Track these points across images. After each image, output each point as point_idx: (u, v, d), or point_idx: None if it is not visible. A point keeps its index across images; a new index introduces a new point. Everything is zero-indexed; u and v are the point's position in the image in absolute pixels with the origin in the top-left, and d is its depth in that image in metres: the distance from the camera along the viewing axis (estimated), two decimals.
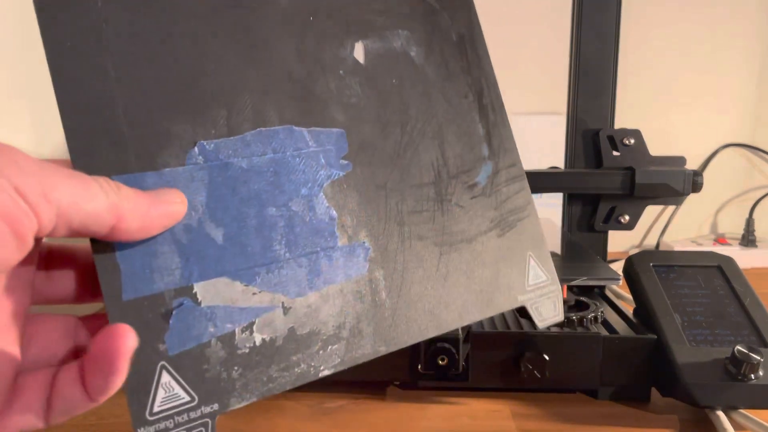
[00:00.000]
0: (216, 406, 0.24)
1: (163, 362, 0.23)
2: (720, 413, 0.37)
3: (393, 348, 0.28)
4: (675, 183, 0.51)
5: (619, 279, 0.45)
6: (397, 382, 0.45)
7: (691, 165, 0.54)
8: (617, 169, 0.53)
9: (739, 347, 0.37)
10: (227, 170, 0.25)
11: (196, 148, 0.25)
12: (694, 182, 0.52)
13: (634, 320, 0.45)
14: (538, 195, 0.77)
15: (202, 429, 0.24)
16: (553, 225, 0.62)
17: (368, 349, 0.27)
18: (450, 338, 0.41)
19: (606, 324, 0.46)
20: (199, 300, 0.24)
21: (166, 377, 0.23)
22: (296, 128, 0.27)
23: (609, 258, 0.59)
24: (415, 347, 0.41)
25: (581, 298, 0.49)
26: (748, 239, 0.81)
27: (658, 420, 0.40)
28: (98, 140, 0.23)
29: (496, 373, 0.42)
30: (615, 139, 0.54)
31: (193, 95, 0.25)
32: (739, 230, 0.84)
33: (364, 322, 0.28)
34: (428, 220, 0.30)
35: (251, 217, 0.26)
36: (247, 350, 0.25)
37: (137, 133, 0.24)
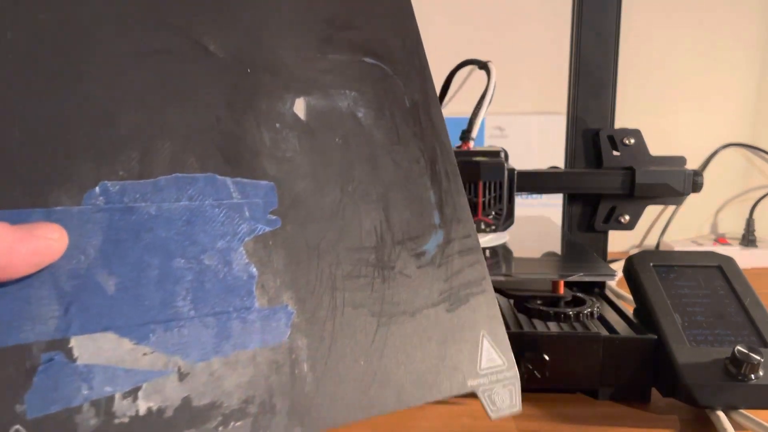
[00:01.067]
0: None
1: (17, 426, 0.20)
2: (720, 413, 0.37)
3: (312, 430, 0.25)
4: (675, 183, 0.51)
5: (614, 275, 0.46)
6: None
7: (691, 165, 0.54)
8: (617, 169, 0.53)
9: (739, 347, 0.37)
10: (131, 214, 0.23)
11: (97, 188, 0.23)
12: (694, 182, 0.51)
13: (634, 320, 0.45)
14: (539, 195, 0.77)
15: None
16: (553, 225, 0.62)
17: (280, 430, 0.24)
18: None
19: (605, 323, 0.46)
20: (74, 356, 0.21)
21: None
22: (219, 177, 0.25)
23: (609, 258, 0.58)
24: None
25: (578, 294, 0.49)
26: (748, 239, 0.81)
27: (658, 420, 0.40)
28: None
29: None
30: (615, 139, 0.54)
31: (103, 134, 0.23)
32: (740, 230, 0.84)
33: (278, 396, 0.24)
34: (366, 286, 0.28)
35: (153, 267, 0.23)
36: (126, 419, 0.21)
37: (30, 166, 0.22)
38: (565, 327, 0.46)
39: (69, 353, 0.21)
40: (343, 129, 0.29)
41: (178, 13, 0.26)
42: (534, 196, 0.78)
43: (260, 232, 0.26)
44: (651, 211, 0.87)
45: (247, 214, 0.26)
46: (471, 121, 0.50)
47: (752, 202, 0.84)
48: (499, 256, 0.49)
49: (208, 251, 0.24)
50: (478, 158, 0.49)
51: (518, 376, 0.31)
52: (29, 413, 0.20)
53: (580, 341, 0.41)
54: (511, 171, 0.50)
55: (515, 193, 0.51)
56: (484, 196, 0.49)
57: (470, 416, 0.41)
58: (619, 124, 0.56)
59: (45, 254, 0.21)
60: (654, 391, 0.42)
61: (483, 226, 0.50)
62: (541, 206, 0.79)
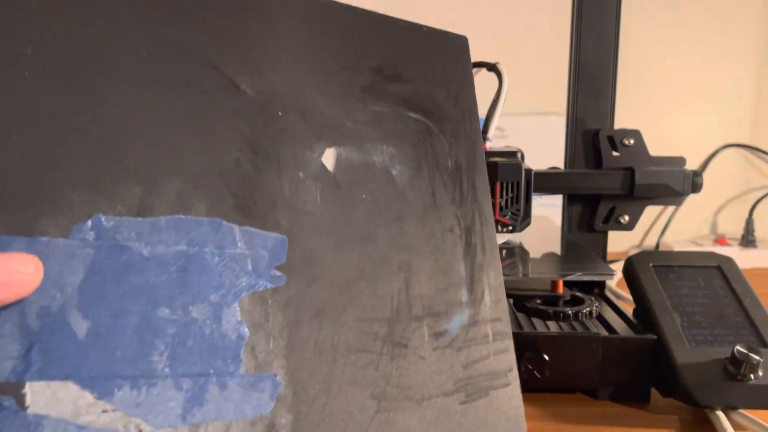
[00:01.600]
0: None
1: None
2: (720, 413, 0.37)
3: None
4: (675, 183, 0.51)
5: (612, 274, 0.46)
6: None
7: (691, 165, 0.54)
8: (617, 169, 0.53)
9: (738, 347, 0.37)
10: (121, 254, 0.21)
11: (89, 222, 0.20)
12: (694, 182, 0.52)
13: (633, 320, 0.45)
14: (539, 195, 0.77)
15: None
16: (553, 225, 0.62)
17: None
18: None
19: (605, 323, 0.46)
20: (26, 404, 0.18)
21: None
22: (226, 223, 0.23)
23: (609, 258, 0.59)
24: None
25: (577, 293, 0.49)
26: (747, 239, 0.81)
27: (658, 420, 0.40)
28: None
29: None
30: (615, 140, 0.54)
31: (106, 163, 0.21)
32: (739, 230, 0.84)
33: None
34: (371, 363, 0.24)
35: (133, 314, 0.20)
36: None
37: (20, 188, 0.19)
38: (564, 326, 0.46)
39: (21, 400, 0.18)
40: (373, 185, 0.27)
41: (214, 48, 0.24)
42: (534, 196, 0.78)
43: (260, 288, 0.23)
44: (650, 211, 0.87)
45: (249, 267, 0.23)
46: (486, 122, 0.50)
47: (752, 203, 0.84)
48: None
49: (198, 303, 0.22)
50: (495, 159, 0.49)
51: None
52: None
53: (580, 341, 0.42)
54: (528, 171, 0.51)
55: (532, 194, 0.51)
56: (501, 196, 0.49)
57: None
58: (618, 124, 0.56)
59: (15, 290, 0.18)
60: (653, 391, 0.42)
61: (500, 227, 0.50)
62: (541, 206, 0.79)
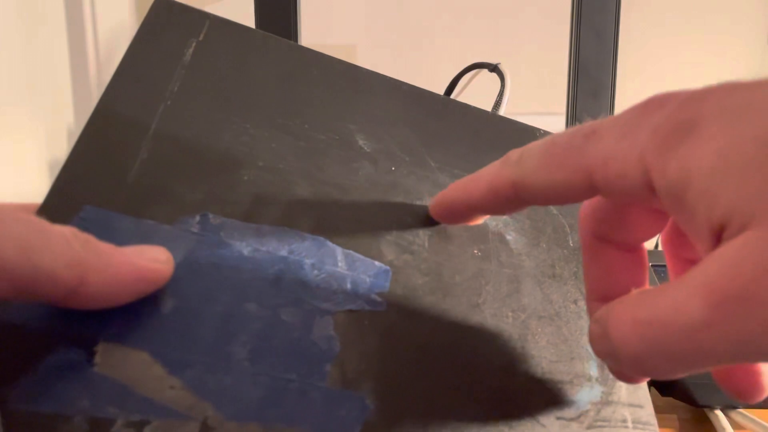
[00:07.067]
0: None
1: None
2: (719, 412, 0.37)
3: None
4: None
5: None
6: None
7: None
8: None
9: None
10: (221, 248, 0.21)
11: (197, 216, 0.21)
12: None
13: None
14: None
15: None
16: None
17: None
18: None
19: None
20: (95, 361, 0.18)
21: None
22: (330, 243, 0.23)
23: None
24: None
25: None
26: None
27: (657, 420, 0.40)
28: (99, 173, 0.21)
29: None
30: None
31: (225, 175, 0.23)
32: None
33: None
34: (477, 417, 0.22)
35: (220, 303, 0.20)
36: None
37: (140, 180, 0.21)
38: None
39: (90, 355, 0.18)
40: (485, 244, 0.26)
41: (338, 113, 0.26)
42: None
43: (358, 308, 0.22)
44: None
45: (348, 286, 0.22)
46: None
47: None
48: None
49: (290, 307, 0.21)
50: None
51: None
52: (16, 402, 0.17)
53: None
54: None
55: None
56: None
57: None
58: None
59: (153, 281, 0.18)
60: (653, 391, 0.42)
61: None
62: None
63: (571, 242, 0.28)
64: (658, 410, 0.41)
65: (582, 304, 0.27)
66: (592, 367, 0.25)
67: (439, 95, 0.30)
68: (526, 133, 0.31)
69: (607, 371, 0.25)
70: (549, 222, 0.28)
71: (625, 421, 0.24)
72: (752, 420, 0.37)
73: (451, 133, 0.29)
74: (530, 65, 0.82)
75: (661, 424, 0.40)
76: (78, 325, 0.18)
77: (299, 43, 0.55)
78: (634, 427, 0.25)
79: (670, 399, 0.40)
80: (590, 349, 0.24)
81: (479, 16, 0.83)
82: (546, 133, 0.32)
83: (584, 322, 0.26)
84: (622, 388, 0.25)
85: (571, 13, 0.56)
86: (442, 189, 0.26)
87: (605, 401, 0.24)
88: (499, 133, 0.30)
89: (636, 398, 0.25)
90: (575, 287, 0.27)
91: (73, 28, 0.66)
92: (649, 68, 0.85)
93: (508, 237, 0.27)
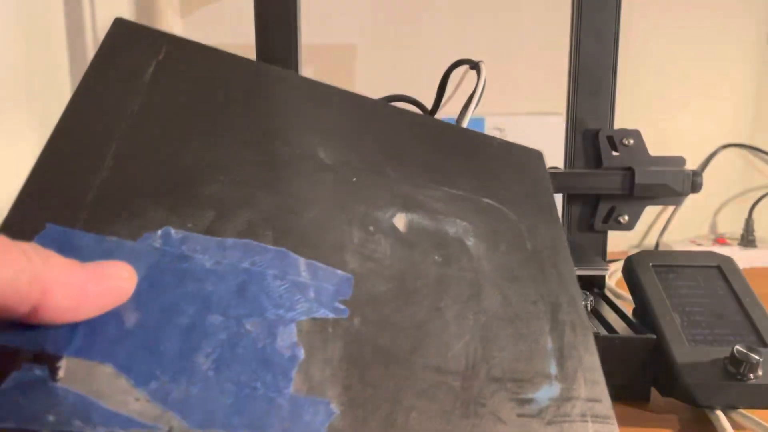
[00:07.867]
0: None
1: None
2: (719, 413, 0.37)
3: None
4: (674, 183, 0.52)
5: (606, 269, 0.46)
6: None
7: (691, 165, 0.54)
8: (617, 169, 0.53)
9: (738, 347, 0.37)
10: (184, 262, 0.21)
11: (159, 232, 0.22)
12: (694, 182, 0.52)
13: (633, 320, 0.45)
14: None
15: None
16: None
17: None
18: None
19: (604, 323, 0.46)
20: (58, 376, 0.18)
21: None
22: (293, 254, 0.23)
23: (609, 258, 0.59)
24: None
25: None
26: (747, 239, 0.82)
27: (657, 420, 0.40)
28: (60, 191, 0.21)
29: None
30: (614, 140, 0.54)
31: (186, 190, 0.23)
32: (739, 230, 0.84)
33: None
34: (439, 416, 0.22)
35: (185, 315, 0.20)
36: None
37: (102, 198, 0.21)
38: None
39: (54, 371, 0.18)
40: (446, 250, 0.27)
41: (300, 127, 0.27)
42: None
43: (321, 315, 0.22)
44: (650, 211, 0.87)
45: (312, 295, 0.23)
46: (461, 115, 0.49)
47: (751, 203, 0.84)
48: None
49: (254, 317, 0.21)
50: None
51: None
52: None
53: None
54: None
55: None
56: None
57: None
58: (618, 124, 0.56)
59: (116, 295, 0.19)
60: (653, 391, 0.42)
61: None
62: None
63: (528, 246, 0.29)
64: (658, 410, 0.41)
65: (541, 305, 0.28)
66: (551, 365, 0.26)
67: (398, 108, 0.31)
68: (484, 143, 0.32)
69: (567, 369, 0.26)
70: (508, 227, 0.29)
71: (584, 415, 0.25)
72: (752, 420, 0.37)
73: (411, 144, 0.29)
74: (530, 65, 0.82)
75: (661, 424, 0.40)
76: (41, 341, 0.18)
77: (299, 43, 0.55)
78: (593, 421, 0.25)
79: (670, 399, 0.40)
80: (549, 346, 0.27)
81: (479, 16, 0.83)
82: (503, 142, 0.33)
83: (544, 323, 0.27)
84: (581, 385, 0.26)
85: (571, 13, 0.56)
86: (402, 198, 0.27)
87: (565, 397, 0.25)
88: (459, 143, 0.31)
89: (594, 393, 0.26)
90: (534, 290, 0.28)
91: (72, 29, 0.66)
92: (649, 68, 0.85)
93: (468, 242, 0.28)
